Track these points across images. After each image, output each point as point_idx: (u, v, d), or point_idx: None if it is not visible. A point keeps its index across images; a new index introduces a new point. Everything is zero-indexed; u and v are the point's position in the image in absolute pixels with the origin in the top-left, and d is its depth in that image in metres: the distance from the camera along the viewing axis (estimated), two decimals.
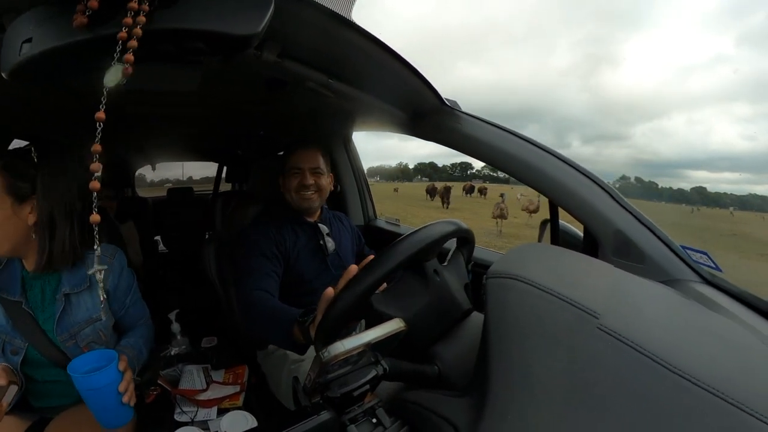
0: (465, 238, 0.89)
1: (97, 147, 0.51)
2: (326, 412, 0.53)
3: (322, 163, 1.43)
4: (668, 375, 0.45)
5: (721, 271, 0.89)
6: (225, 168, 3.59)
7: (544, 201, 1.12)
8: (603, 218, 0.97)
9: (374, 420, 0.58)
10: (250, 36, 0.54)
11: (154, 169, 3.99)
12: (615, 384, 0.46)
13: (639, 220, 0.96)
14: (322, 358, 0.53)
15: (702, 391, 0.43)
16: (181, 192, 3.87)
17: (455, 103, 1.16)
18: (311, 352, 1.06)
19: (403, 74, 0.95)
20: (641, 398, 0.44)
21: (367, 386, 0.59)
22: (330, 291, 0.73)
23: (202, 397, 1.35)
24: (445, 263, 0.85)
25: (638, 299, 0.63)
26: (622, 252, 0.95)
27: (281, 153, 1.54)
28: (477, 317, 0.81)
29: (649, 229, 0.95)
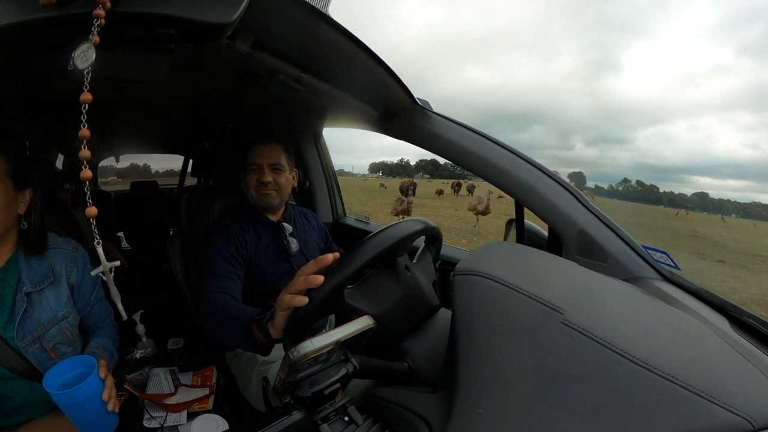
0: (433, 237, 0.91)
1: (85, 132, 0.49)
2: (298, 412, 0.53)
3: (283, 159, 1.37)
4: (629, 365, 0.47)
5: (679, 269, 0.93)
6: (191, 161, 3.46)
7: (498, 203, 1.14)
8: (567, 219, 1.01)
9: (346, 418, 0.58)
10: (224, 24, 0.52)
11: (117, 161, 3.80)
12: (580, 375, 0.48)
13: (602, 221, 1.00)
14: (292, 357, 0.53)
15: (661, 379, 0.46)
16: (145, 186, 3.71)
17: (427, 102, 1.17)
18: (280, 352, 1.04)
19: (377, 72, 0.94)
20: (605, 388, 0.47)
21: (338, 384, 0.59)
22: (286, 298, 0.68)
23: (171, 401, 1.31)
24: (414, 260, 0.86)
25: (601, 295, 0.66)
26: (586, 251, 0.99)
27: None
28: (445, 313, 0.83)
29: (611, 229, 0.99)
